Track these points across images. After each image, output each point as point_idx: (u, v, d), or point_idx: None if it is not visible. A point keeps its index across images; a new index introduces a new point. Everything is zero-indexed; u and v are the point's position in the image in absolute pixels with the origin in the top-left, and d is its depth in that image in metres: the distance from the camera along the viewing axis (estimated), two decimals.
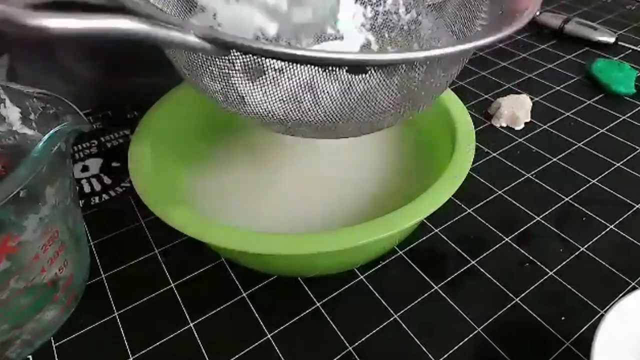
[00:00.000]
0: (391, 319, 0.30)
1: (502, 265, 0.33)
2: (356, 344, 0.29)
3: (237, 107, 0.26)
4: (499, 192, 0.39)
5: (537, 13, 0.62)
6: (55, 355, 0.29)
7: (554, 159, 0.42)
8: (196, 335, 0.30)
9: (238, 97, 0.25)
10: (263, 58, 0.21)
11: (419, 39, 0.34)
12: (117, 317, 0.31)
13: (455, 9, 0.32)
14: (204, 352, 0.29)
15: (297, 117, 0.25)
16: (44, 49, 0.50)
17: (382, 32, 0.35)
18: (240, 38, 0.19)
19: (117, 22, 0.17)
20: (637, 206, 0.37)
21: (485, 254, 0.34)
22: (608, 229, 0.35)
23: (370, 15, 0.35)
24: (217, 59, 0.22)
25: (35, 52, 0.51)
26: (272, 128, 0.28)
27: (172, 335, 0.30)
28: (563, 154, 0.42)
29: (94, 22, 0.16)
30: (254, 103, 0.25)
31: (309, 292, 0.32)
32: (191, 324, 0.30)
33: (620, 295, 0.31)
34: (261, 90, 0.24)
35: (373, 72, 0.22)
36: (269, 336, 0.30)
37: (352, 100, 0.24)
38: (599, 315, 0.30)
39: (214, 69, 0.24)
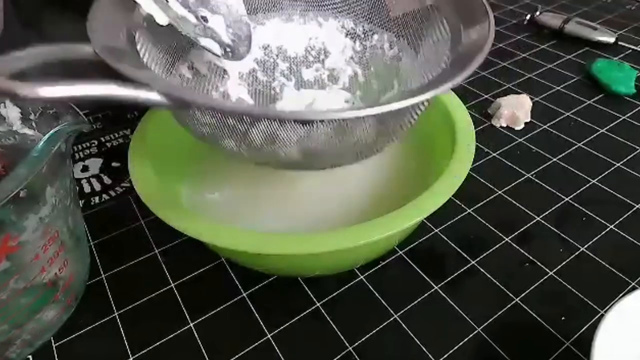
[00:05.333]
0: (391, 319, 0.30)
1: (502, 265, 0.33)
2: (356, 344, 0.29)
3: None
4: (499, 192, 0.39)
5: (537, 13, 0.62)
6: (55, 355, 0.29)
7: (554, 159, 0.42)
8: (196, 335, 0.30)
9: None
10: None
11: (399, 75, 0.35)
12: (117, 317, 0.31)
13: (427, 54, 0.32)
14: (204, 352, 0.29)
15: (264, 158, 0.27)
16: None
17: (369, 65, 0.37)
18: (199, 96, 0.21)
19: (97, 88, 0.19)
20: (637, 206, 0.37)
21: (485, 254, 0.34)
22: (608, 229, 0.35)
23: (359, 49, 0.37)
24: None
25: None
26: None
27: (172, 335, 0.30)
28: (563, 154, 0.42)
29: (77, 89, 0.18)
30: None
31: (309, 292, 0.32)
32: (191, 324, 0.30)
33: (620, 295, 0.31)
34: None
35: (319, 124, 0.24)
36: (269, 336, 0.30)
37: (311, 144, 0.25)
38: (599, 315, 0.30)
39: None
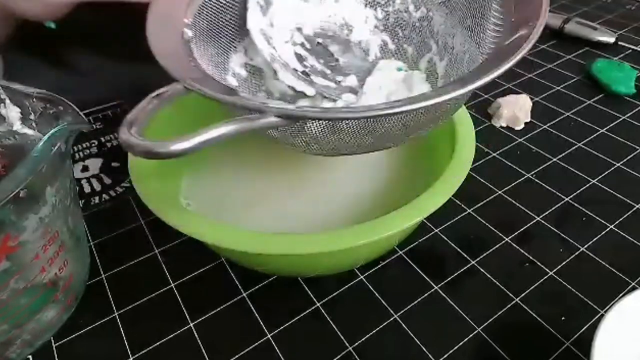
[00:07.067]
0: (391, 319, 0.30)
1: (502, 265, 0.33)
2: (356, 344, 0.29)
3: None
4: (499, 192, 0.39)
5: None
6: (55, 355, 0.29)
7: (554, 159, 0.42)
8: (196, 335, 0.30)
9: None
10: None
11: (434, 34, 0.35)
12: (117, 317, 0.31)
13: (465, 4, 0.32)
14: (204, 352, 0.29)
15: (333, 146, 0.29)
16: (43, 45, 0.50)
17: (396, 31, 0.36)
18: (309, 110, 0.24)
19: (216, 131, 0.21)
20: (637, 206, 0.37)
21: (485, 254, 0.34)
22: (608, 229, 0.35)
23: (381, 16, 0.36)
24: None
25: (34, 48, 0.51)
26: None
27: (172, 335, 0.30)
28: (563, 154, 0.42)
29: (201, 137, 0.21)
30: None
31: (309, 292, 0.32)
32: (191, 324, 0.30)
33: (620, 295, 0.31)
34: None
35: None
36: (269, 336, 0.30)
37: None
38: (599, 315, 0.30)
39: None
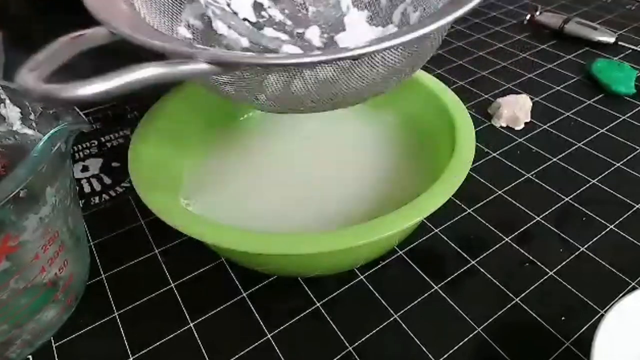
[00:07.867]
0: (391, 319, 0.30)
1: (502, 265, 0.33)
2: (356, 344, 0.29)
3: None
4: (499, 192, 0.39)
5: (537, 13, 0.62)
6: (55, 355, 0.29)
7: (554, 159, 0.42)
8: (196, 335, 0.30)
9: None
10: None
11: None
12: (117, 317, 0.31)
13: None
14: (204, 352, 0.29)
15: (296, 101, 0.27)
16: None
17: None
18: (244, 56, 0.22)
19: (136, 74, 0.18)
20: (637, 206, 0.37)
21: (485, 254, 0.34)
22: (608, 229, 0.35)
23: None
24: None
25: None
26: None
27: (172, 335, 0.30)
28: (563, 154, 0.42)
29: (116, 80, 0.18)
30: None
31: (309, 292, 0.32)
32: (191, 324, 0.30)
33: (620, 295, 0.31)
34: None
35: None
36: (269, 336, 0.30)
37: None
38: (599, 315, 0.30)
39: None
